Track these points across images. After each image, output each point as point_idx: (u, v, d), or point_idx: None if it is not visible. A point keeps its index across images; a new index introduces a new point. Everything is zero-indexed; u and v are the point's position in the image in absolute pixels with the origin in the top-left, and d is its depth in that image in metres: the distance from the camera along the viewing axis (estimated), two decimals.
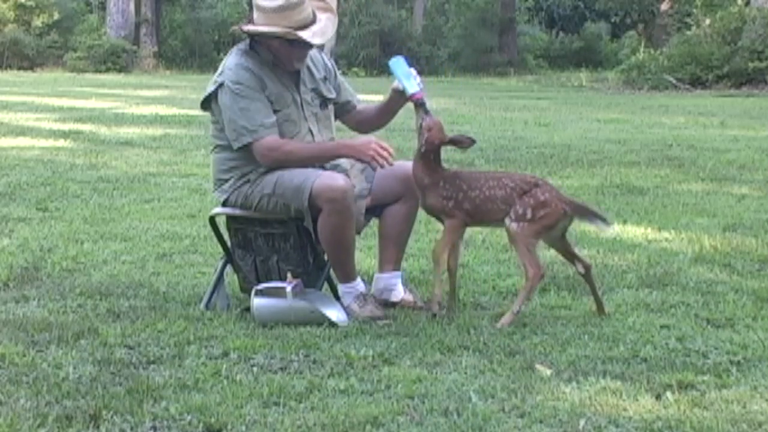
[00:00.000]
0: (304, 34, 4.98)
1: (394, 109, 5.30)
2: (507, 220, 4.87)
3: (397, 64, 5.11)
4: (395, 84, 5.14)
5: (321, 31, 5.05)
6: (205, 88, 5.16)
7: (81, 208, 7.89)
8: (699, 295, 5.42)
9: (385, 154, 4.94)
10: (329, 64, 5.35)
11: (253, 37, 5.11)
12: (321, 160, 5.11)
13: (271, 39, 5.04)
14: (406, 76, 5.06)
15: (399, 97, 5.17)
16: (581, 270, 5.01)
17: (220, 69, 5.11)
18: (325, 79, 5.27)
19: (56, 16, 32.68)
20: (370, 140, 5.00)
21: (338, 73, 5.41)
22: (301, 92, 5.16)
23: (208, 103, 5.12)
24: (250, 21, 5.07)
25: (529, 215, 4.83)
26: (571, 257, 5.04)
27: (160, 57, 33.13)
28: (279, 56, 5.08)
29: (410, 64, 5.15)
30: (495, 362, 4.35)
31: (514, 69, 32.32)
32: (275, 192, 5.02)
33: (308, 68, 5.22)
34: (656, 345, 4.59)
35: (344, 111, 5.38)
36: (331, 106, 5.31)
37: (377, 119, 5.41)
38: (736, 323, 4.95)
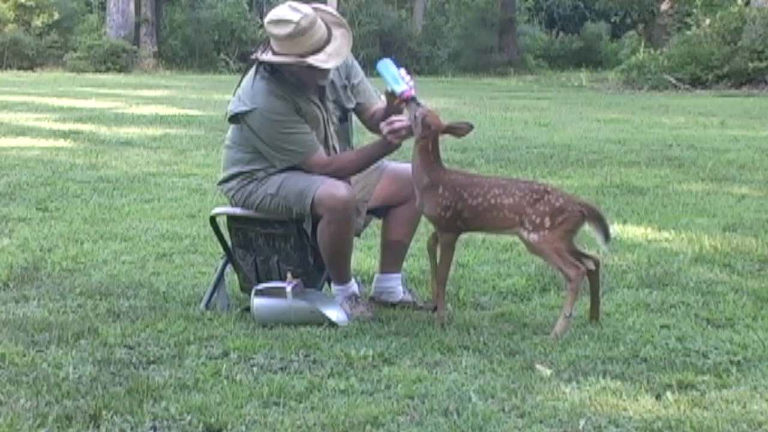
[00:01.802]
0: (318, 60, 4.88)
1: (395, 112, 5.23)
2: (524, 232, 4.77)
3: (384, 66, 5.01)
4: (387, 88, 5.06)
5: (336, 52, 4.94)
6: (229, 102, 5.07)
7: (81, 208, 7.89)
8: (699, 295, 5.42)
9: (396, 128, 4.89)
10: (349, 65, 5.22)
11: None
12: (367, 167, 5.12)
13: (290, 65, 4.96)
14: (393, 78, 4.97)
15: (393, 100, 5.08)
16: (591, 267, 4.84)
17: (246, 91, 5.00)
18: (344, 87, 5.20)
19: (56, 16, 32.65)
20: (382, 130, 4.95)
21: (357, 72, 5.27)
22: (326, 105, 5.13)
23: (235, 118, 5.05)
24: (267, 46, 4.98)
25: (547, 223, 4.73)
26: (578, 256, 4.86)
27: (160, 57, 33.08)
28: (301, 78, 5.01)
29: (399, 65, 5.06)
30: (495, 362, 4.35)
31: (514, 69, 32.30)
32: (278, 193, 5.01)
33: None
34: (656, 345, 4.59)
35: (358, 112, 5.30)
36: (350, 116, 5.27)
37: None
38: (736, 323, 4.95)
